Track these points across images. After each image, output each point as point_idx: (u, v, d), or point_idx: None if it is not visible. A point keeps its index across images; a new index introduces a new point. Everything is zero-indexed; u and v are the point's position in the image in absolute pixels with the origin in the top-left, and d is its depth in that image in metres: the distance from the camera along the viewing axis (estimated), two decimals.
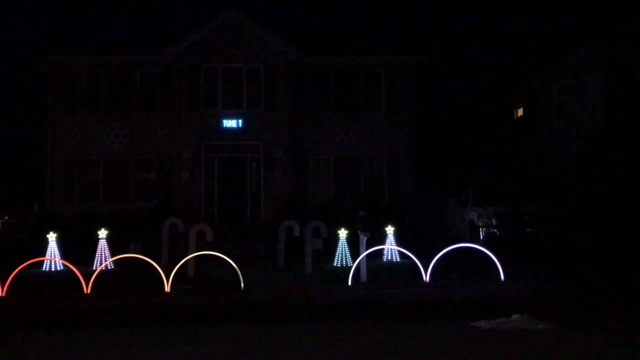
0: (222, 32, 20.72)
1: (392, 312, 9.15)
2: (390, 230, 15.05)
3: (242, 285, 11.28)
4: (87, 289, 11.01)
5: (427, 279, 11.58)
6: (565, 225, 16.60)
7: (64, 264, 14.81)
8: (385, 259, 15.49)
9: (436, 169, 29.06)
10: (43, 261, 14.66)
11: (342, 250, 14.68)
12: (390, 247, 14.95)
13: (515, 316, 7.89)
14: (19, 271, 11.21)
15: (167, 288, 11.08)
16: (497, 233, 16.33)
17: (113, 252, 15.02)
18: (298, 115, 21.14)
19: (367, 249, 12.16)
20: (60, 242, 15.08)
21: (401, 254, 14.48)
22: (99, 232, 14.97)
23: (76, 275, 11.18)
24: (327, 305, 9.89)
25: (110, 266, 14.67)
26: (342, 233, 14.67)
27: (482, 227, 16.75)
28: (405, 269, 13.01)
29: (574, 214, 17.37)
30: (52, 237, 14.79)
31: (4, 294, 10.81)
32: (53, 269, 14.68)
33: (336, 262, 14.59)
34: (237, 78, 20.77)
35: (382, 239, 14.98)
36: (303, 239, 14.43)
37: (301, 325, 8.13)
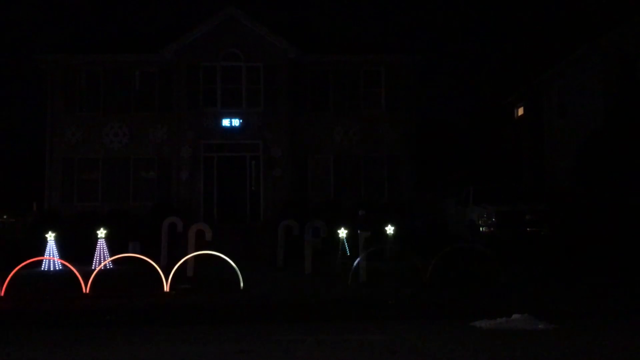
0: (221, 30, 20.68)
1: (392, 311, 9.15)
2: (390, 229, 15.02)
3: (242, 284, 11.26)
4: (86, 289, 10.98)
5: (427, 279, 11.55)
6: (565, 225, 16.57)
7: (62, 264, 14.81)
8: (384, 258, 15.44)
9: (436, 168, 29.01)
10: (42, 261, 14.62)
11: (341, 250, 14.64)
12: (389, 247, 14.91)
13: (515, 316, 7.89)
14: (18, 271, 11.18)
15: (167, 287, 11.05)
16: (498, 232, 16.30)
17: (112, 251, 14.98)
18: (297, 114, 21.10)
19: (366, 249, 12.12)
20: (59, 241, 15.04)
21: (401, 253, 14.45)
22: (98, 232, 14.93)
23: (75, 274, 11.15)
24: (327, 305, 9.87)
25: (109, 265, 14.63)
26: (342, 232, 14.63)
27: (483, 226, 16.71)
28: (405, 268, 12.98)
29: (575, 213, 17.35)
30: (50, 236, 14.75)
31: (2, 294, 10.78)
32: (52, 269, 14.65)
33: (336, 262, 14.55)
34: (237, 77, 20.73)
35: (382, 239, 14.95)
36: (302, 238, 14.40)
37: (301, 325, 8.11)
